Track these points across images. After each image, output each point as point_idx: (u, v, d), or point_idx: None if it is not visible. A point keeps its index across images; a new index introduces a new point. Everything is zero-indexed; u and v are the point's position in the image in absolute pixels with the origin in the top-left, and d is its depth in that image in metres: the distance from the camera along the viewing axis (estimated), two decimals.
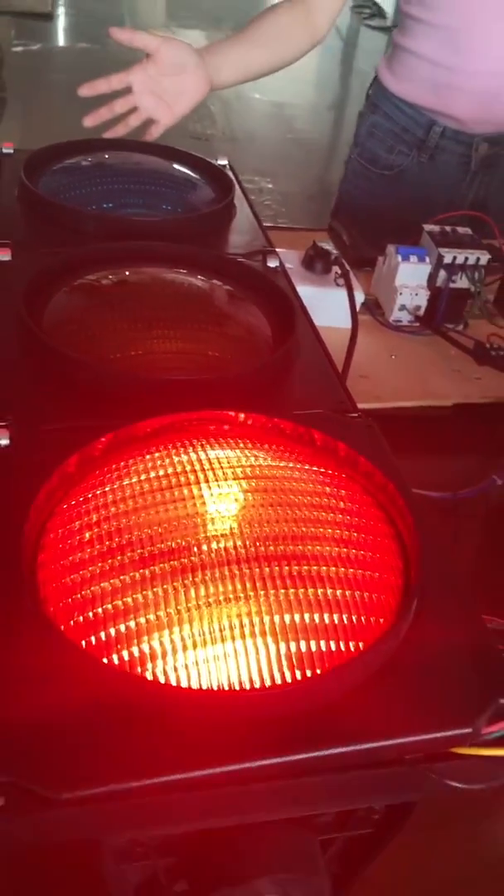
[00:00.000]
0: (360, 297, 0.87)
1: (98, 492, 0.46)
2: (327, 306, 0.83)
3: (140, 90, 0.90)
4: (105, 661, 0.38)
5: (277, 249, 0.86)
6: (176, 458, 0.47)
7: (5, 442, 0.50)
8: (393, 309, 0.91)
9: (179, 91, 0.92)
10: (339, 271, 0.87)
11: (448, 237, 0.91)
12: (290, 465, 0.49)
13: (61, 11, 5.04)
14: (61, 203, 0.75)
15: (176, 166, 0.87)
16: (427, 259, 0.90)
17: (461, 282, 0.90)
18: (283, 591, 0.40)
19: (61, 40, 4.80)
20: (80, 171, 0.82)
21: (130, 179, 0.82)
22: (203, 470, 0.46)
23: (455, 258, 0.88)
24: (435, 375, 0.86)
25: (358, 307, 0.87)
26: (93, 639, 0.39)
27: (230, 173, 0.89)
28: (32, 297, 0.61)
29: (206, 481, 0.46)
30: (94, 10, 5.08)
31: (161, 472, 0.47)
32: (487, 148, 1.14)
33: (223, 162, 0.92)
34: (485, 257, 0.89)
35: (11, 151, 0.87)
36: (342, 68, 5.09)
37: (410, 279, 0.90)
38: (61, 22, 4.95)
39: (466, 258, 0.89)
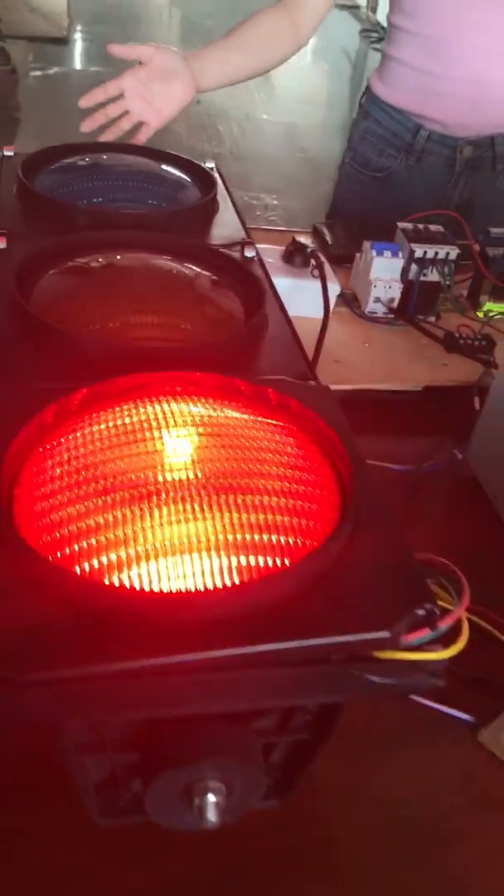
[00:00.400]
0: (335, 289, 0.93)
1: (70, 437, 0.52)
2: (304, 297, 0.89)
3: (131, 95, 0.97)
4: (69, 571, 0.43)
5: (261, 245, 0.92)
6: (141, 409, 0.53)
7: None
8: (368, 301, 0.97)
9: (168, 95, 1.00)
10: (315, 263, 0.93)
11: (420, 234, 0.97)
12: (244, 416, 0.54)
13: (77, 36, 5.17)
14: (54, 198, 0.81)
15: (164, 167, 0.93)
16: (400, 254, 0.95)
17: (432, 275, 0.96)
18: (228, 514, 0.46)
19: (77, 64, 4.93)
20: (75, 170, 0.89)
21: (121, 178, 0.88)
22: (164, 418, 0.52)
23: (426, 253, 0.94)
24: (405, 361, 0.92)
25: (334, 298, 0.93)
26: (59, 553, 0.44)
27: (216, 174, 0.95)
28: (23, 277, 0.67)
29: (167, 427, 0.51)
30: (110, 35, 5.22)
31: (127, 421, 0.52)
32: (471, 151, 1.21)
33: (210, 164, 0.98)
34: (454, 252, 0.95)
35: (12, 154, 0.93)
36: (351, 90, 5.20)
37: (384, 273, 0.96)
38: (77, 46, 5.08)
39: (437, 253, 0.94)
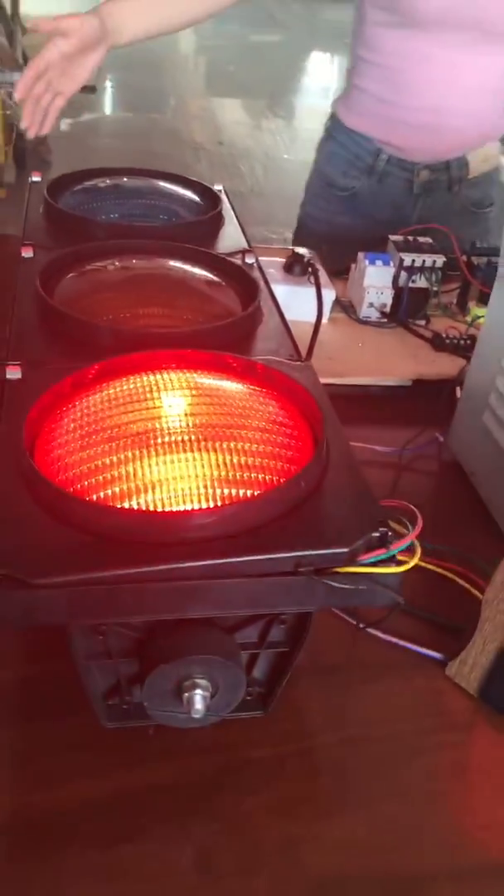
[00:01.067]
0: (331, 294, 1.02)
1: (82, 401, 0.61)
2: (302, 302, 0.98)
3: (53, 69, 1.00)
4: (79, 497, 0.51)
5: (265, 258, 1.02)
6: (144, 379, 0.62)
7: (18, 376, 0.65)
8: (363, 306, 1.06)
9: (83, 64, 1.02)
10: (311, 270, 1.02)
11: (409, 244, 1.06)
12: (232, 383, 0.63)
13: (107, 84, 5.40)
14: (74, 213, 0.91)
15: (175, 188, 1.03)
16: (391, 263, 1.04)
17: (421, 282, 1.04)
18: (215, 455, 0.54)
19: (107, 110, 5.14)
20: (94, 191, 0.99)
21: (135, 197, 0.98)
22: (163, 385, 0.61)
23: (414, 261, 1.03)
24: (395, 358, 1.00)
25: (330, 303, 1.02)
26: (71, 488, 0.53)
27: (223, 195, 1.05)
28: (46, 278, 0.77)
29: (165, 390, 0.60)
30: (137, 83, 5.45)
31: (131, 387, 0.61)
32: (428, 174, 1.30)
33: (218, 187, 1.08)
34: (440, 260, 1.03)
35: (38, 180, 1.04)
36: None
37: (377, 280, 1.04)
38: (107, 94, 5.30)
39: (424, 261, 1.03)
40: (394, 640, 0.67)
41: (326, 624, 0.68)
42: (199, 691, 0.52)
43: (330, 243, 1.15)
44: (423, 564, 0.73)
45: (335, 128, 1.36)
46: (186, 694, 0.52)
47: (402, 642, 0.67)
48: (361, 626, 0.67)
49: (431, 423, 0.92)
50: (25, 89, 1.01)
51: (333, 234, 1.27)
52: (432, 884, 0.52)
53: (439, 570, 0.73)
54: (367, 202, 1.35)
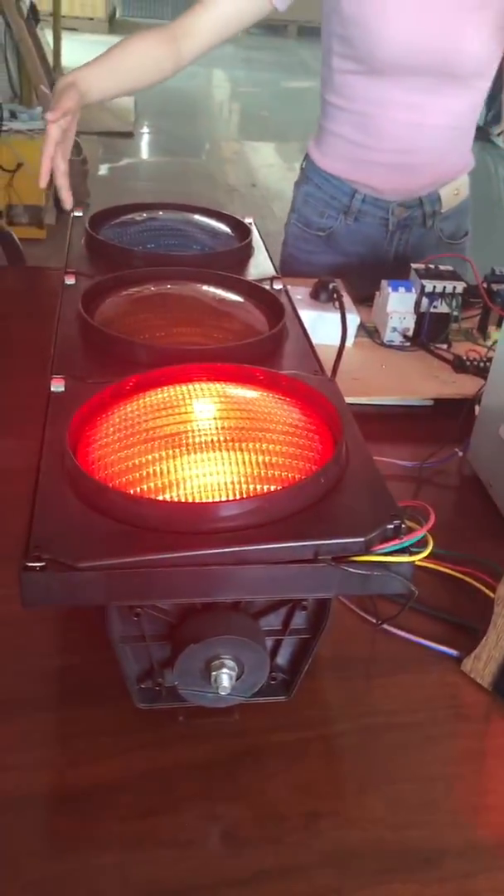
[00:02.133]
0: (355, 319, 1.07)
1: (121, 408, 0.66)
2: (328, 327, 1.04)
3: (59, 145, 1.09)
4: (118, 490, 0.56)
5: (293, 286, 1.07)
6: (177, 388, 0.67)
7: (62, 389, 0.71)
8: (386, 331, 1.10)
9: (72, 127, 1.12)
10: (336, 296, 1.07)
11: (431, 272, 1.11)
12: (258, 392, 0.68)
13: (144, 130, 5.57)
14: (114, 243, 0.98)
15: (209, 220, 1.09)
16: (413, 290, 1.09)
17: (442, 307, 1.09)
18: (241, 454, 0.59)
19: (143, 155, 5.31)
20: (133, 223, 1.06)
21: (171, 229, 1.05)
22: (194, 393, 0.66)
23: (435, 287, 1.08)
24: (417, 379, 1.04)
25: (354, 327, 1.07)
26: (111, 484, 0.58)
27: (253, 227, 1.11)
28: (87, 302, 0.83)
29: (196, 398, 0.65)
30: (173, 129, 5.62)
31: (165, 396, 0.66)
32: (402, 211, 1.35)
33: (249, 220, 1.14)
34: (460, 286, 1.08)
35: (80, 214, 1.11)
36: None
37: (399, 306, 1.09)
38: (144, 139, 5.47)
39: (444, 287, 1.08)
40: (412, 637, 0.71)
41: (348, 621, 0.72)
42: (225, 671, 0.56)
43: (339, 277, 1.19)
44: (441, 568, 0.77)
45: (310, 170, 1.40)
46: (214, 673, 0.56)
47: (419, 639, 0.71)
48: (380, 622, 0.71)
49: (452, 439, 0.96)
50: (47, 178, 1.11)
51: (314, 273, 1.31)
52: (444, 858, 0.55)
53: (457, 573, 0.77)
54: (345, 241, 1.39)
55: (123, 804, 0.57)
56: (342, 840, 0.56)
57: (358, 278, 1.22)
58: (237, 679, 0.57)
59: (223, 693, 0.56)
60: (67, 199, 1.13)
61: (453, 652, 0.70)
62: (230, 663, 0.56)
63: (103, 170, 4.71)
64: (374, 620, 0.72)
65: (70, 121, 1.11)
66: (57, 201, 1.23)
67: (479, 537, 0.83)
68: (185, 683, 0.57)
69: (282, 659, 0.62)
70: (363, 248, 1.39)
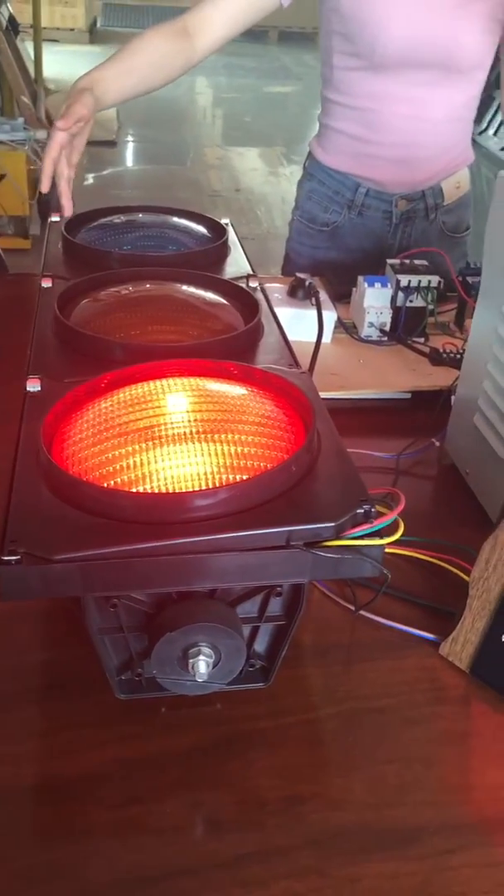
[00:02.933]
0: (332, 315, 1.08)
1: (94, 405, 0.67)
2: (305, 324, 1.05)
3: (65, 147, 1.10)
4: (90, 483, 0.57)
5: (271, 284, 1.09)
6: (150, 384, 0.68)
7: (38, 388, 0.72)
8: (364, 326, 1.12)
9: (83, 134, 1.13)
10: (312, 293, 1.08)
11: (406, 267, 1.12)
12: (231, 386, 0.69)
13: (128, 139, 5.58)
14: (89, 246, 0.99)
15: (185, 221, 1.10)
16: (389, 285, 1.10)
17: (418, 301, 1.10)
18: (213, 446, 0.60)
19: (128, 163, 5.31)
20: (109, 226, 1.07)
21: (147, 231, 1.06)
22: (167, 388, 0.67)
23: (410, 282, 1.09)
24: (394, 373, 1.06)
25: (331, 323, 1.08)
26: (84, 478, 0.58)
27: (229, 227, 1.12)
28: (63, 303, 0.84)
29: (169, 392, 0.66)
30: (157, 137, 5.64)
31: (139, 391, 0.67)
32: (405, 204, 1.37)
33: (226, 220, 1.15)
34: (435, 280, 1.09)
35: (58, 219, 1.12)
36: None
37: (376, 301, 1.10)
38: (128, 147, 5.48)
39: (419, 281, 1.09)
40: (391, 623, 0.72)
41: (328, 610, 0.73)
42: (202, 657, 0.57)
43: (316, 276, 1.20)
44: (420, 556, 0.78)
45: (313, 167, 1.43)
46: (191, 660, 0.57)
47: (397, 625, 0.72)
48: (358, 609, 0.72)
49: (430, 430, 0.97)
50: (48, 184, 1.11)
51: (318, 268, 1.33)
52: (422, 835, 0.56)
53: (435, 560, 0.78)
54: (349, 235, 1.41)
55: (107, 793, 0.58)
56: (323, 822, 0.57)
57: (361, 273, 1.22)
58: (214, 666, 0.58)
59: (201, 680, 0.57)
60: (67, 207, 1.13)
61: (432, 636, 0.71)
62: (207, 650, 0.57)
63: (88, 179, 4.72)
64: (353, 608, 0.73)
65: (82, 127, 1.11)
66: (41, 211, 1.25)
67: (458, 524, 0.84)
68: (163, 672, 0.58)
69: (260, 646, 0.63)
70: (367, 242, 1.40)
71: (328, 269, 1.26)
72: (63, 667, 0.67)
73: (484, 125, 5.40)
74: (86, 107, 1.09)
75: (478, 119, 5.41)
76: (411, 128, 1.28)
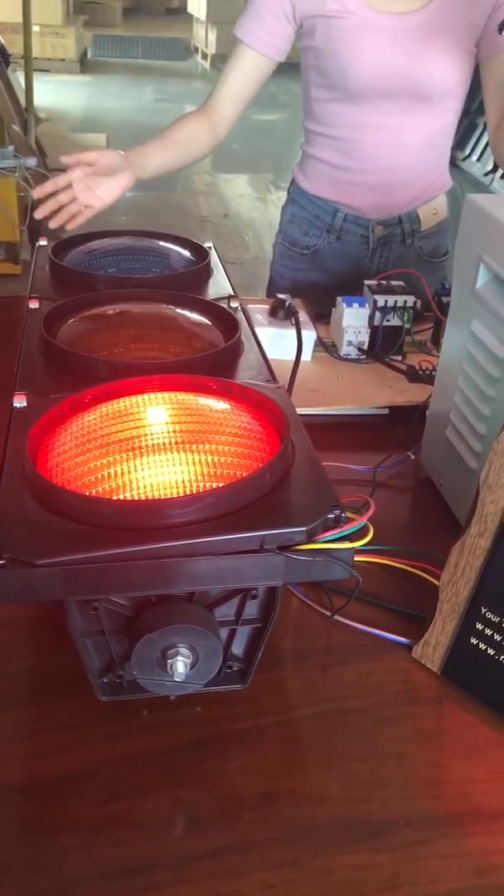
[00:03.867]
0: (311, 334, 1.12)
1: (78, 418, 0.69)
2: (286, 343, 1.09)
3: (78, 185, 1.21)
4: (72, 491, 0.60)
5: (253, 306, 1.12)
6: (132, 398, 0.71)
7: (24, 404, 0.74)
8: (343, 345, 1.15)
9: (110, 186, 1.24)
10: (292, 313, 1.12)
11: (383, 287, 1.15)
12: (210, 399, 0.71)
13: None
14: (75, 269, 1.02)
15: (168, 245, 1.14)
16: (366, 305, 1.14)
17: (394, 320, 1.13)
18: (191, 455, 0.62)
19: None
20: (95, 250, 1.10)
21: (132, 254, 1.09)
22: (149, 401, 0.70)
23: (387, 302, 1.12)
24: (372, 389, 1.09)
25: (311, 342, 1.12)
26: (68, 487, 0.61)
27: (212, 251, 1.16)
28: (49, 323, 0.87)
29: (150, 406, 0.69)
30: None
31: (121, 405, 0.70)
32: (382, 229, 1.42)
33: (209, 244, 1.19)
34: (411, 300, 1.13)
35: (45, 244, 1.15)
36: None
37: (354, 321, 1.14)
38: None
39: (396, 301, 1.13)
40: (365, 628, 0.74)
41: (305, 615, 0.76)
42: (180, 658, 0.59)
43: (298, 296, 1.24)
44: (395, 564, 0.81)
45: (296, 192, 1.49)
46: (170, 661, 0.59)
47: (372, 630, 0.74)
48: (332, 614, 0.75)
49: (406, 444, 1.00)
50: (43, 193, 1.23)
51: (299, 289, 1.37)
52: (393, 828, 0.58)
53: (410, 568, 0.80)
54: (328, 258, 1.46)
55: (88, 792, 0.60)
56: (297, 817, 0.59)
57: (340, 294, 1.26)
58: (192, 667, 0.60)
59: (179, 679, 0.59)
60: (52, 222, 1.25)
61: (405, 640, 0.73)
62: (185, 651, 0.59)
63: None
64: (329, 613, 0.75)
65: (96, 171, 1.23)
66: (31, 237, 1.31)
67: (432, 533, 0.87)
68: (143, 672, 0.60)
69: (237, 648, 0.65)
70: (345, 266, 1.45)
71: (308, 291, 1.30)
72: (48, 670, 0.69)
73: (467, 151, 5.50)
74: (101, 155, 1.22)
75: (461, 145, 5.53)
76: (387, 155, 1.33)
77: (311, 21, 1.27)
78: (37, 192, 1.23)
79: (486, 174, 5.34)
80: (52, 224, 1.24)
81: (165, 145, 1.35)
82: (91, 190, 1.23)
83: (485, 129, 4.22)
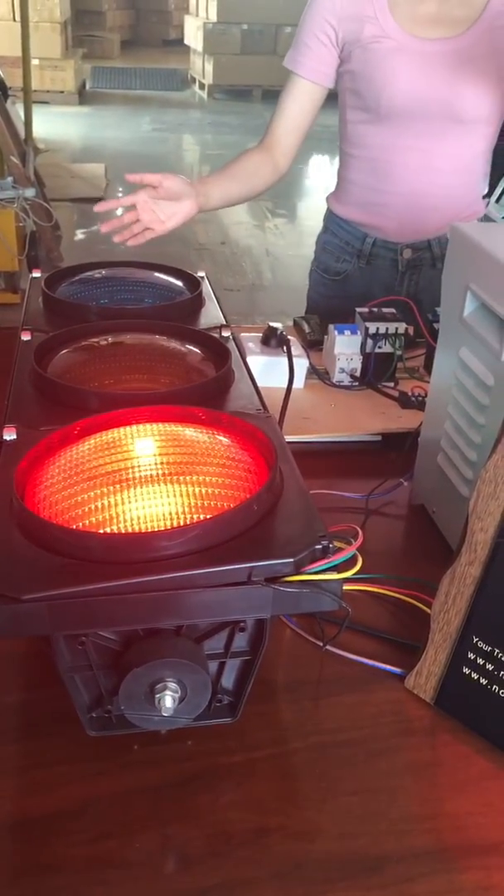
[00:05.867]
0: (303, 362, 1.12)
1: (66, 451, 0.69)
2: (278, 371, 1.09)
3: (142, 207, 1.25)
4: (58, 525, 0.60)
5: (246, 334, 1.13)
6: (120, 430, 0.71)
7: (14, 437, 0.74)
8: (335, 372, 1.15)
9: (172, 211, 1.28)
10: (284, 341, 1.12)
11: (374, 315, 1.16)
12: (198, 430, 0.71)
13: (118, 195, 5.69)
14: (68, 300, 1.03)
15: (161, 275, 1.14)
16: (358, 332, 1.14)
17: (386, 347, 1.14)
18: (179, 487, 0.62)
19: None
20: (88, 281, 1.11)
21: (124, 285, 1.10)
22: (137, 434, 0.70)
23: (378, 329, 1.13)
24: (365, 416, 1.09)
25: (303, 370, 1.12)
26: (55, 522, 0.61)
27: (204, 280, 1.17)
28: (40, 354, 0.87)
29: (138, 438, 0.69)
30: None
31: (108, 438, 0.70)
32: (411, 253, 1.44)
33: (201, 274, 1.20)
34: (402, 327, 1.13)
35: (38, 276, 1.16)
36: None
37: (346, 348, 1.14)
38: None
39: (387, 328, 1.13)
40: (358, 658, 0.74)
41: (298, 647, 0.75)
42: (168, 693, 0.58)
43: (332, 320, 1.24)
44: (387, 592, 0.81)
45: (329, 220, 1.53)
46: (158, 695, 0.58)
47: (365, 660, 0.74)
48: (324, 645, 0.74)
49: (399, 471, 1.00)
50: (104, 208, 1.29)
51: (332, 315, 1.38)
52: (385, 864, 0.57)
53: (402, 596, 0.80)
54: (358, 283, 1.49)
55: (77, 829, 0.59)
56: (288, 853, 0.58)
57: None
58: (181, 701, 0.60)
59: (167, 714, 0.58)
60: (117, 237, 1.30)
61: (398, 670, 0.73)
62: (173, 685, 0.59)
63: (79, 235, 4.82)
64: (321, 644, 0.75)
65: (160, 194, 1.27)
66: (30, 267, 1.33)
67: (426, 561, 0.86)
68: (131, 707, 0.60)
69: (227, 681, 0.65)
70: (377, 290, 1.47)
71: (341, 316, 1.30)
72: (37, 705, 0.69)
73: (497, 195, 5.49)
74: (164, 178, 1.26)
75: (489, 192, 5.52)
76: (419, 178, 1.36)
77: (349, 46, 1.32)
78: (98, 207, 1.27)
79: None
80: (117, 239, 1.29)
81: (229, 177, 1.40)
82: (154, 213, 1.27)
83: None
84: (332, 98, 1.43)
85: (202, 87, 8.88)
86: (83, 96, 8.32)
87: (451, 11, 1.27)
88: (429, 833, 0.60)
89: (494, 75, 1.28)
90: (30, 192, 3.53)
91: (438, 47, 1.27)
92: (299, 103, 1.39)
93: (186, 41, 9.40)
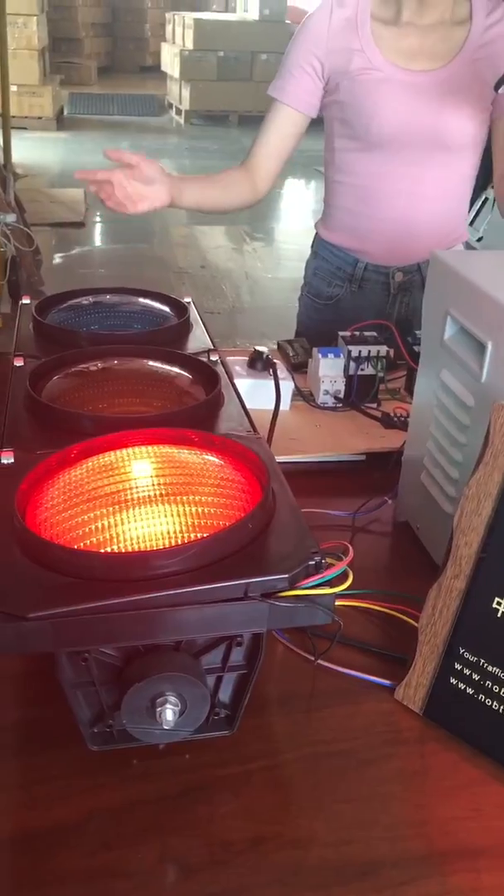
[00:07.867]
0: (289, 385, 1.15)
1: (65, 474, 0.72)
2: (264, 393, 1.11)
3: (117, 184, 1.27)
4: (60, 546, 0.62)
5: (232, 357, 1.15)
6: (116, 453, 0.73)
7: (11, 461, 0.76)
8: (319, 394, 1.18)
9: (143, 195, 1.29)
10: (270, 364, 1.15)
11: (357, 338, 1.19)
12: (192, 452, 0.74)
13: (96, 220, 5.74)
14: (58, 327, 1.05)
15: (149, 301, 1.17)
16: (341, 355, 1.18)
17: (368, 369, 1.17)
18: (176, 507, 0.65)
19: (96, 243, 5.46)
20: (77, 308, 1.13)
21: (113, 311, 1.12)
22: (134, 455, 0.72)
23: (360, 352, 1.16)
24: (349, 436, 1.12)
25: (289, 392, 1.15)
26: (55, 542, 0.63)
27: (191, 306, 1.19)
28: (34, 379, 0.90)
29: (135, 459, 0.71)
30: (122, 217, 5.81)
31: (105, 461, 0.72)
32: (401, 276, 1.48)
33: (188, 299, 1.23)
34: (383, 349, 1.17)
35: (28, 302, 1.18)
36: None
37: (330, 370, 1.18)
38: (95, 228, 5.64)
39: (370, 351, 1.17)
40: (349, 671, 0.76)
41: (290, 661, 0.78)
42: (169, 706, 0.60)
43: (323, 345, 1.27)
44: (374, 607, 0.83)
45: (318, 245, 1.57)
46: (159, 709, 0.60)
47: (355, 673, 0.76)
48: (315, 659, 0.76)
49: (383, 489, 1.03)
50: (83, 176, 1.30)
51: (322, 339, 1.41)
52: (379, 869, 0.59)
53: (389, 611, 0.82)
54: (350, 307, 1.53)
55: (79, 843, 0.61)
56: (285, 860, 0.60)
57: None
58: (181, 714, 0.62)
59: (168, 727, 0.60)
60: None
61: (387, 682, 0.75)
62: (173, 699, 0.61)
63: (57, 259, 4.85)
64: (313, 658, 0.77)
65: (133, 176, 1.28)
66: (12, 292, 1.34)
67: (411, 576, 0.89)
68: (132, 721, 0.62)
69: (224, 695, 0.67)
70: (368, 313, 1.50)
71: (333, 340, 1.33)
72: (38, 722, 0.70)
73: (470, 219, 5.59)
74: (142, 160, 1.27)
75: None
76: (406, 203, 1.41)
77: (336, 77, 1.36)
78: (79, 174, 1.29)
79: (479, 240, 5.41)
80: (92, 189, 1.31)
81: (208, 181, 1.43)
82: (126, 195, 1.29)
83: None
84: (311, 124, 1.48)
85: (179, 112, 8.98)
86: (61, 122, 8.39)
87: (434, 46, 1.33)
88: (420, 838, 0.62)
89: (477, 103, 1.34)
90: (10, 218, 3.56)
91: (423, 78, 1.33)
92: (281, 130, 1.43)
93: (163, 68, 9.52)
